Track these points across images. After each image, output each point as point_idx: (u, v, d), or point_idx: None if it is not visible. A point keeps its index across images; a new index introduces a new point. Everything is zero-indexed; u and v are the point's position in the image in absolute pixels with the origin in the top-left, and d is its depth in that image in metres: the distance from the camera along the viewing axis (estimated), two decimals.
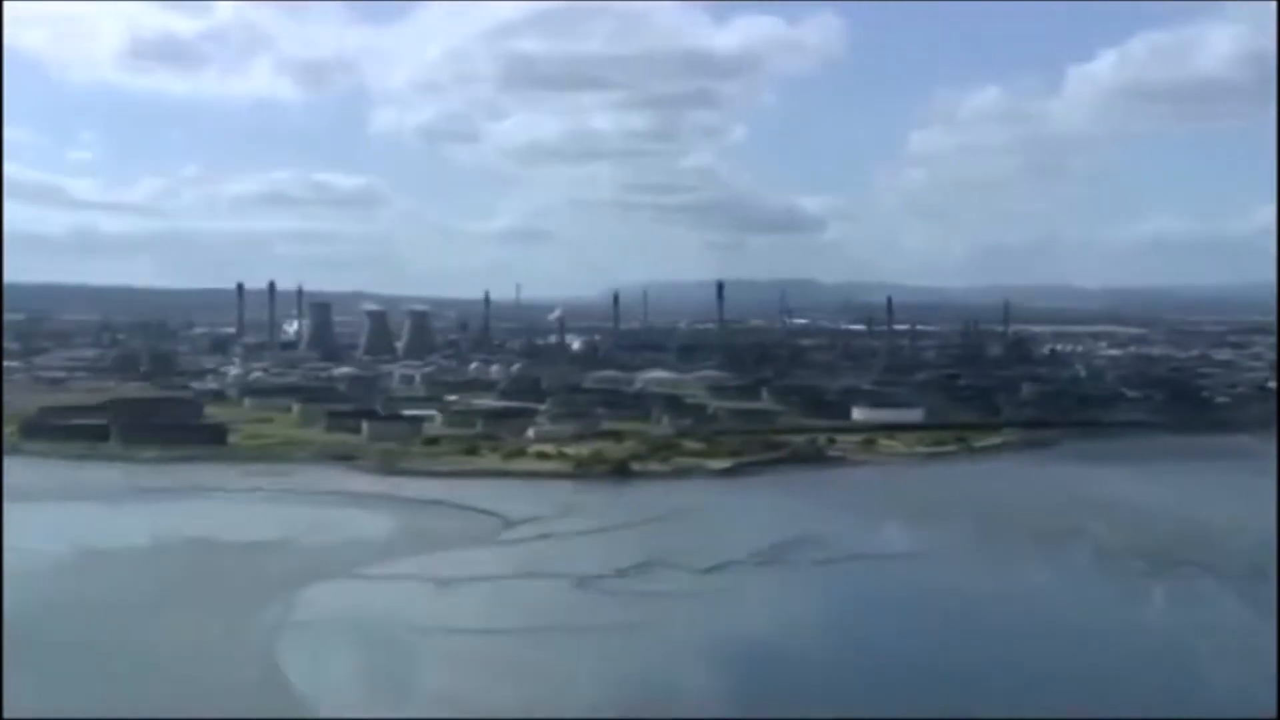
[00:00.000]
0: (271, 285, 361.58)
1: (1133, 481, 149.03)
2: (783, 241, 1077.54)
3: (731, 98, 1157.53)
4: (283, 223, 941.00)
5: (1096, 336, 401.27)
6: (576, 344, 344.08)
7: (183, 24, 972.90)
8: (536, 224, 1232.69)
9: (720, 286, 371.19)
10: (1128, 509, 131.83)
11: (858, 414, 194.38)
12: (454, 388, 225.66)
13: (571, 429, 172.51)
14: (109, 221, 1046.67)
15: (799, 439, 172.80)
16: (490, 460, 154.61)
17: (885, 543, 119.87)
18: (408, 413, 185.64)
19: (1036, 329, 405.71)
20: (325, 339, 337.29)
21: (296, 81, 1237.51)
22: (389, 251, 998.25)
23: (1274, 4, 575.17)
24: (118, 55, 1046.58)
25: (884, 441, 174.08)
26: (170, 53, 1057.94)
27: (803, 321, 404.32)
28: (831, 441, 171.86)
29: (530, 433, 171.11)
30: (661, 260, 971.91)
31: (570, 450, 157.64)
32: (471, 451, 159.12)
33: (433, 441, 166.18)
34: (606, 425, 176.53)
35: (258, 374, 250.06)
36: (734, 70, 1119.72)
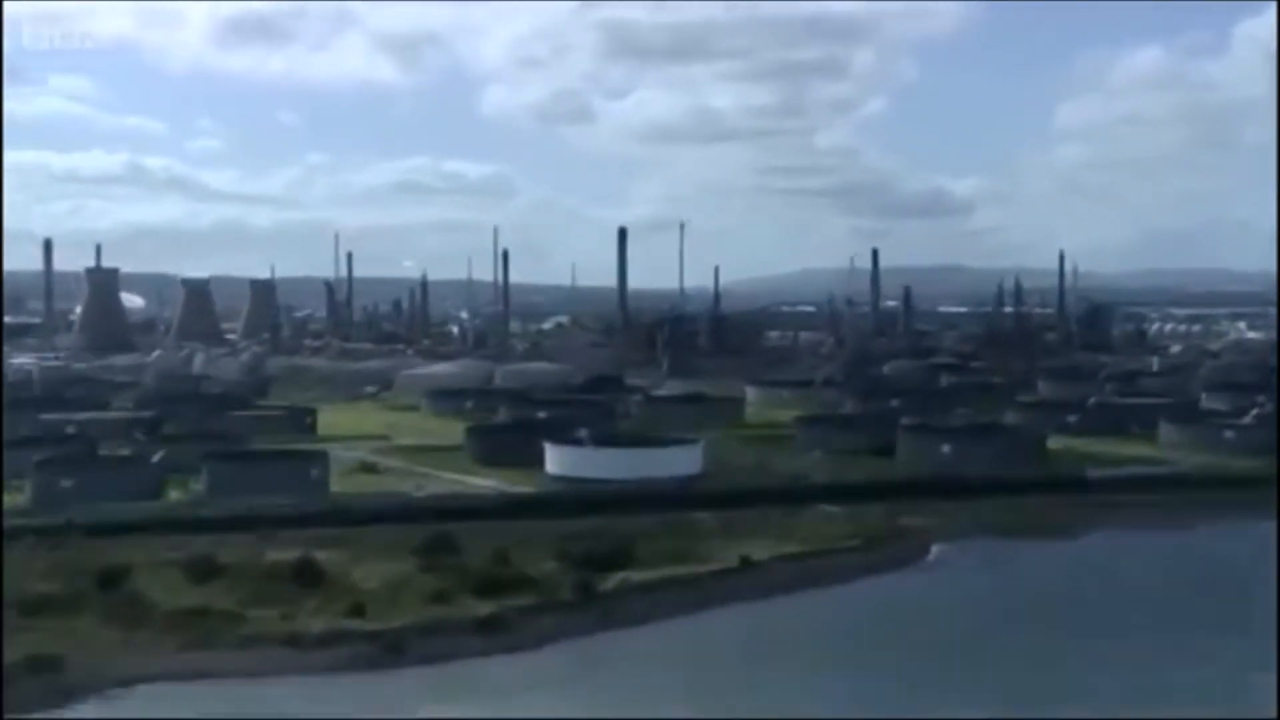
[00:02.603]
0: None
1: None
2: (930, 227, 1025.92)
3: (862, 67, 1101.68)
4: (419, 213, 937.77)
5: (1239, 317, 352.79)
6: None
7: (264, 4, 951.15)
8: (671, 211, 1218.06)
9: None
10: None
11: None
12: None
13: None
14: (252, 213, 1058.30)
15: None
16: None
17: None
18: None
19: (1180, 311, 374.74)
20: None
21: (392, 60, 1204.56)
22: (526, 240, 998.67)
23: None
24: (208, 38, 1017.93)
25: None
26: (258, 31, 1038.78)
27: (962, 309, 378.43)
28: None
29: None
30: (805, 247, 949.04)
31: None
32: None
33: None
34: None
35: None
36: (862, 34, 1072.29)
